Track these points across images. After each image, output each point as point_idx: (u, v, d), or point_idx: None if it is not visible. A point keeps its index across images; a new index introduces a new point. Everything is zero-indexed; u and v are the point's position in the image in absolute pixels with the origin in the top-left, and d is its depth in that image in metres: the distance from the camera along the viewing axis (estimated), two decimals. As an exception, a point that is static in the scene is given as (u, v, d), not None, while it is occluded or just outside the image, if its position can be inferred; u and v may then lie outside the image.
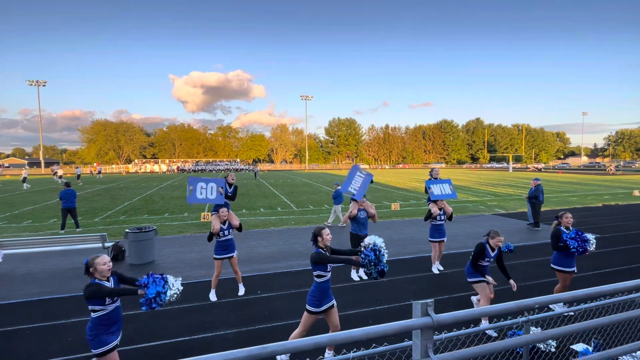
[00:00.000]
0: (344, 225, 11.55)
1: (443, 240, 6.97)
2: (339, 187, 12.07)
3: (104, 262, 3.18)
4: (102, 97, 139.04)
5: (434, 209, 6.84)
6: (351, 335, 1.38)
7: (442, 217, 6.89)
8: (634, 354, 3.01)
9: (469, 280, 4.82)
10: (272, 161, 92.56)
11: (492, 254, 4.68)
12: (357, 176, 6.76)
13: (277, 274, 6.94)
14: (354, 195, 6.56)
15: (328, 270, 3.72)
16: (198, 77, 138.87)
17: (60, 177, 34.30)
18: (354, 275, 6.71)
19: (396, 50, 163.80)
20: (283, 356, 3.77)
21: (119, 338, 3.27)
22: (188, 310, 5.35)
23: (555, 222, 5.10)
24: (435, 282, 6.53)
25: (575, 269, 4.97)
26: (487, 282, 4.66)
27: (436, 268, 7.06)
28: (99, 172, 45.94)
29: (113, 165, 68.86)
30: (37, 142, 66.65)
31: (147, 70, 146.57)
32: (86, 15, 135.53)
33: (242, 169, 64.63)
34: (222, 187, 6.03)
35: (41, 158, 62.97)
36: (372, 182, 6.84)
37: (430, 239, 7.01)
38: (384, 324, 1.46)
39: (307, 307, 3.77)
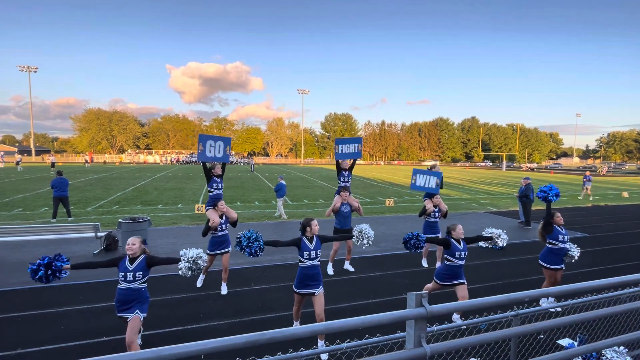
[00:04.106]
0: (283, 218, 11.85)
1: (437, 237, 6.76)
2: (282, 181, 12.14)
3: (128, 243, 3.69)
4: (98, 86, 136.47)
5: (429, 206, 6.65)
6: (347, 323, 1.41)
7: (437, 215, 6.70)
8: (616, 347, 3.11)
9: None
10: (267, 154, 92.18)
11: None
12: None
13: (271, 267, 6.98)
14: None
15: (305, 257, 4.02)
16: (196, 68, 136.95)
17: None
18: (329, 269, 6.66)
19: (395, 47, 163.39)
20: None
21: (118, 313, 3.63)
22: (181, 300, 5.36)
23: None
24: (427, 277, 6.61)
25: (562, 266, 5.08)
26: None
27: (425, 262, 7.14)
28: (86, 162, 45.77)
29: (106, 155, 67.98)
30: (29, 129, 65.33)
31: (144, 59, 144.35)
32: (84, 2, 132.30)
33: (238, 162, 64.23)
34: (229, 147, 5.92)
35: (32, 146, 61.90)
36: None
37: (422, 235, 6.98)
38: (379, 314, 1.49)
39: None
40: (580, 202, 17.61)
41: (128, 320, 3.54)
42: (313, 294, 4.03)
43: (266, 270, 6.76)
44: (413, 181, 6.75)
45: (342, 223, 6.47)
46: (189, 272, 3.90)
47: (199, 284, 5.90)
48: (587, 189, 19.03)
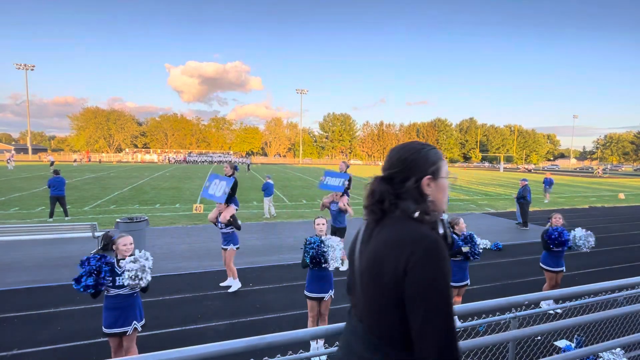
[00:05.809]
0: (273, 216, 12.02)
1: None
2: (270, 180, 12.17)
3: (124, 242, 3.35)
4: (97, 84, 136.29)
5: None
6: (348, 327, 1.40)
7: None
8: (613, 350, 3.13)
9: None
10: (265, 154, 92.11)
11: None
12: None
13: (269, 267, 6.97)
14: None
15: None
16: (195, 67, 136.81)
17: None
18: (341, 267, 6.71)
19: (394, 47, 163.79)
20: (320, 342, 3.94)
21: (114, 329, 3.27)
22: (180, 301, 5.34)
23: (549, 223, 5.24)
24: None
25: (563, 268, 5.11)
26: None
27: None
28: (75, 161, 46.21)
29: (103, 154, 67.70)
30: (26, 127, 64.98)
31: (143, 58, 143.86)
32: (82, 0, 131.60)
33: (237, 162, 64.25)
34: (229, 187, 5.61)
35: (29, 144, 61.58)
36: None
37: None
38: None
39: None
40: (577, 203, 17.68)
41: (128, 334, 3.30)
42: (323, 298, 3.93)
43: (264, 271, 6.74)
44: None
45: (332, 221, 6.63)
46: (132, 281, 3.15)
47: (232, 289, 5.67)
48: (546, 195, 17.67)
